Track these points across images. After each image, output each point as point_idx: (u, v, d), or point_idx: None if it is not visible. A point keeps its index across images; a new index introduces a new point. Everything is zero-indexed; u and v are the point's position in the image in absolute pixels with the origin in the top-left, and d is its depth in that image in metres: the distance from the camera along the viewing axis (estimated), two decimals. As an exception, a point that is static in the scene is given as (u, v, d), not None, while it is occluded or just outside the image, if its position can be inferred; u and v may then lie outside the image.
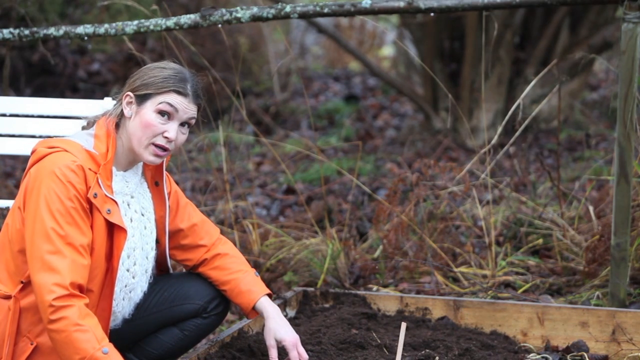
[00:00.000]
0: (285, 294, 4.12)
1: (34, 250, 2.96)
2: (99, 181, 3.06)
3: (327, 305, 4.15)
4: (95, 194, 3.05)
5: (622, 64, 4.04)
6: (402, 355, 3.35)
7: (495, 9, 4.21)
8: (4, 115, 4.04)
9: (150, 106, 3.11)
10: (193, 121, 3.18)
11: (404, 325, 3.14)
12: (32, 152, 3.13)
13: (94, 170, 3.07)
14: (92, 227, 3.06)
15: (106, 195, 3.08)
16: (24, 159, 7.78)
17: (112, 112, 3.18)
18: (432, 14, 4.30)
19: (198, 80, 3.20)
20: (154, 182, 3.31)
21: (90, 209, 3.05)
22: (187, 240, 3.40)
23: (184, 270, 3.50)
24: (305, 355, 3.29)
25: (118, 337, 3.24)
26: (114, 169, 3.17)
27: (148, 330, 3.36)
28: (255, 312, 3.39)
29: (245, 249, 5.02)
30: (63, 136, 3.22)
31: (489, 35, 7.17)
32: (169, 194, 3.35)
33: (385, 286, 4.74)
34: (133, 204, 3.23)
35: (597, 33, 8.21)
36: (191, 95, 3.14)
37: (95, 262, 3.07)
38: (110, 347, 2.92)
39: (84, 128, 3.26)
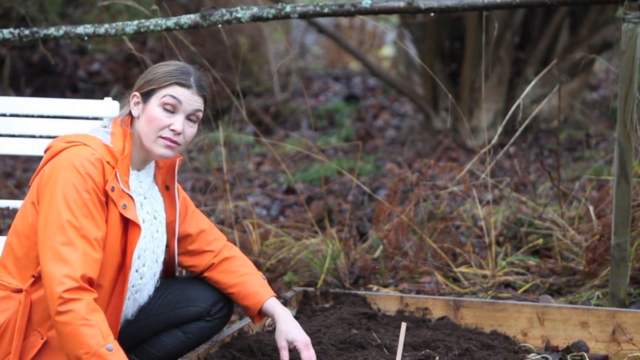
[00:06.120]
0: (285, 294, 4.12)
1: (46, 240, 2.95)
2: (117, 175, 3.08)
3: (327, 305, 4.15)
4: (113, 188, 3.06)
5: (622, 64, 4.04)
6: (402, 355, 3.35)
7: (495, 9, 4.21)
8: (4, 115, 4.03)
9: (155, 101, 3.14)
10: (200, 114, 3.19)
11: (404, 325, 3.14)
12: (47, 150, 3.12)
13: (112, 165, 3.08)
14: (106, 221, 3.06)
15: (123, 190, 3.09)
16: (24, 159, 7.78)
17: (121, 114, 3.23)
18: (432, 14, 4.30)
19: (202, 74, 3.23)
20: (165, 187, 3.32)
21: (106, 202, 3.06)
22: (194, 245, 3.40)
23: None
24: (314, 357, 3.26)
25: (121, 337, 3.24)
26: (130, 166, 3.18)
27: (151, 332, 3.36)
28: (260, 317, 3.39)
29: (245, 249, 5.02)
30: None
31: (489, 35, 7.17)
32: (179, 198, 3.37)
33: (385, 286, 4.74)
34: (145, 205, 3.24)
35: (597, 33, 8.20)
36: (194, 87, 3.16)
37: (107, 257, 3.06)
38: (115, 344, 2.91)
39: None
